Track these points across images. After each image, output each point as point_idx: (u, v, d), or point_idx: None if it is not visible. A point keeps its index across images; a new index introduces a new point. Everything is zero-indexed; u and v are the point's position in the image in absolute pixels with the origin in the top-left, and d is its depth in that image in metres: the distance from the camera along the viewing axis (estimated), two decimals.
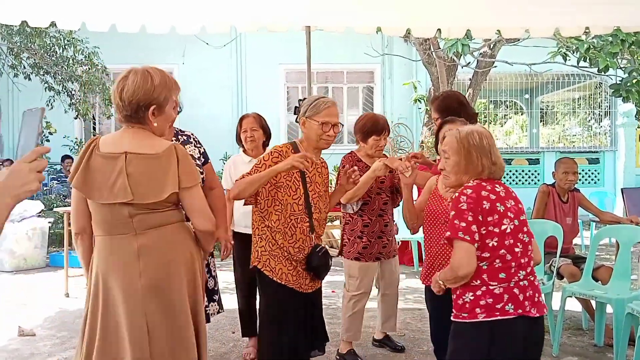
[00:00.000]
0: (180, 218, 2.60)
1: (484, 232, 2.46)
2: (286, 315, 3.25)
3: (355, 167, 3.50)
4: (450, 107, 3.79)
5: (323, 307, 3.61)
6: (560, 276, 4.88)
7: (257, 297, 3.58)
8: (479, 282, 2.48)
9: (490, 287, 2.47)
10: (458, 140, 2.62)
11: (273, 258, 3.25)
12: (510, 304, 2.47)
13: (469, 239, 2.43)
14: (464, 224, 2.44)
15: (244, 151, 4.54)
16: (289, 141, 3.55)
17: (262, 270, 3.26)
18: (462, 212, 2.46)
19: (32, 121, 1.57)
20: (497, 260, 2.47)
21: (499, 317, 2.46)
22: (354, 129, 4.42)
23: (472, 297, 2.49)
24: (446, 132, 2.79)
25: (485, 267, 2.48)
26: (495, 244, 2.46)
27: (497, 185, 2.59)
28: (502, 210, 2.49)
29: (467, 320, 2.50)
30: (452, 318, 2.59)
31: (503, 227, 2.48)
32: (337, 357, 4.42)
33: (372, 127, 4.26)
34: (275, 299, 3.27)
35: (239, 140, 4.55)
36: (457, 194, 2.54)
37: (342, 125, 3.38)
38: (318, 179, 3.37)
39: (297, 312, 3.27)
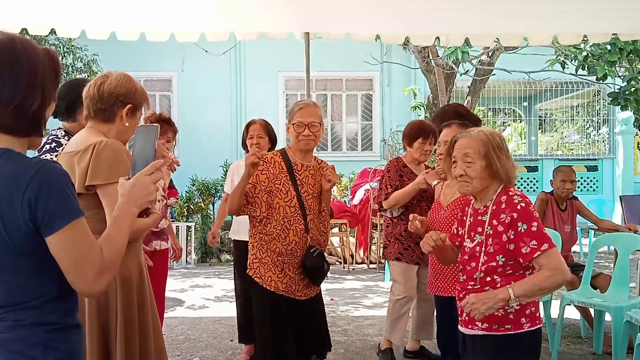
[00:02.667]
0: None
1: None
2: (276, 322, 3.26)
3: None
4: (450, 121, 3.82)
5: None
6: None
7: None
8: None
9: None
10: (485, 142, 2.41)
11: (263, 266, 3.27)
12: (540, 312, 2.42)
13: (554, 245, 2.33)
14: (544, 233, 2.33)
15: None
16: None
17: (253, 277, 3.31)
18: (540, 222, 2.34)
19: (147, 138, 1.74)
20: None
21: (539, 326, 2.39)
22: (402, 135, 4.49)
23: (517, 307, 2.33)
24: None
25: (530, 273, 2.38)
26: None
27: None
28: None
29: (511, 332, 2.35)
30: (484, 332, 2.39)
31: None
32: (377, 351, 4.58)
33: (418, 131, 4.32)
34: (266, 306, 3.29)
35: (244, 145, 4.54)
36: (521, 205, 2.33)
37: (321, 124, 3.33)
38: (311, 180, 3.37)
39: (287, 318, 3.28)
